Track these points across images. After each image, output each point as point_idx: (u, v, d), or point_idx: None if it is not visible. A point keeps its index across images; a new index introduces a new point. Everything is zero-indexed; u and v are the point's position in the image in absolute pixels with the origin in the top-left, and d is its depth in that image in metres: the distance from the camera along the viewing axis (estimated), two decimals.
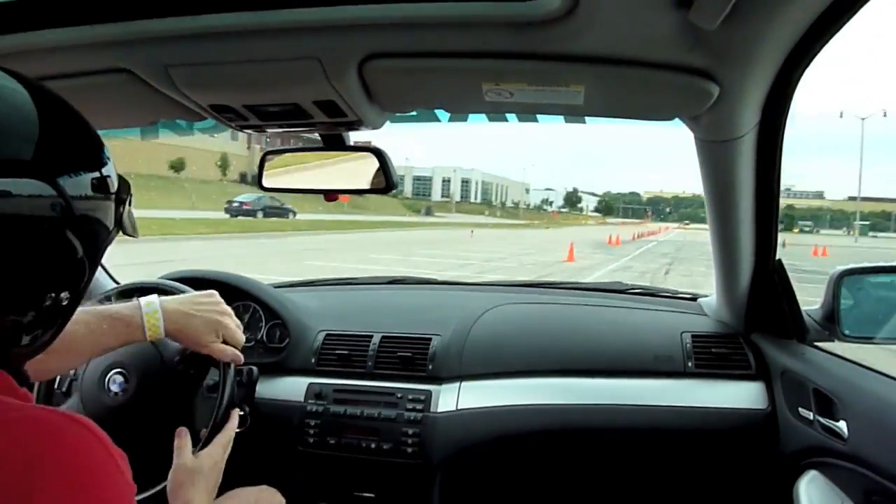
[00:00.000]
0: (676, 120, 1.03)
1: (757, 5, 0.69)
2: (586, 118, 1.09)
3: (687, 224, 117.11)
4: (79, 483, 0.52)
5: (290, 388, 1.58)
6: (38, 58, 0.85)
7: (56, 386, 1.35)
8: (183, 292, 1.40)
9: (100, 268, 1.71)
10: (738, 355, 1.50)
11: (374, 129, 1.09)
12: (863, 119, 59.37)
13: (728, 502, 1.60)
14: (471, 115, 1.14)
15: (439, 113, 1.13)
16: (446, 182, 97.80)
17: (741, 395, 1.46)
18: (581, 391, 1.50)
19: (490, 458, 1.56)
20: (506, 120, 1.13)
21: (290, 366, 1.62)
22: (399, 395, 1.52)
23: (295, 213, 29.23)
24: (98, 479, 0.54)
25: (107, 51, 0.84)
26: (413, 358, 1.57)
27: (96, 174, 0.59)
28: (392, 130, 1.17)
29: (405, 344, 1.60)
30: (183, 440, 1.09)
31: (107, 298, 1.34)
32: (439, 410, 1.49)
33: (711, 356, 1.51)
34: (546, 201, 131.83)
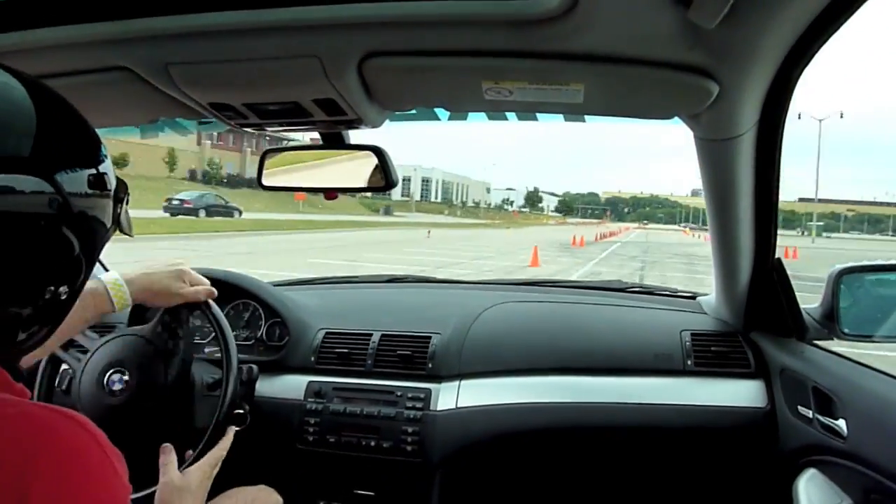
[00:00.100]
0: (675, 118, 1.03)
1: (756, 4, 0.69)
2: (586, 117, 1.09)
3: (645, 223, 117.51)
4: (74, 481, 0.53)
5: (290, 386, 1.58)
6: (39, 56, 0.85)
7: (56, 384, 1.35)
8: None
9: (98, 264, 1.74)
10: (737, 353, 1.50)
11: (373, 127, 1.09)
12: (820, 120, 59.81)
13: (727, 500, 1.60)
14: (470, 114, 1.14)
15: (439, 111, 1.13)
16: (406, 181, 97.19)
17: (740, 393, 1.46)
18: (580, 389, 1.50)
19: (489, 457, 1.57)
20: (505, 118, 1.13)
21: (289, 364, 1.62)
22: (399, 394, 1.52)
23: (241, 212, 28.28)
24: (93, 478, 0.54)
25: (107, 49, 0.84)
26: (413, 356, 1.57)
27: (93, 171, 0.59)
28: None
29: (405, 342, 1.60)
30: (168, 457, 1.09)
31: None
32: (439, 409, 1.49)
33: (711, 354, 1.52)
34: (507, 201, 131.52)
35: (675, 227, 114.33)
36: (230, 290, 1.68)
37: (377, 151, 1.15)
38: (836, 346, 1.32)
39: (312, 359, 1.61)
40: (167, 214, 25.10)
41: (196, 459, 1.16)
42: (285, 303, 1.70)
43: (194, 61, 0.87)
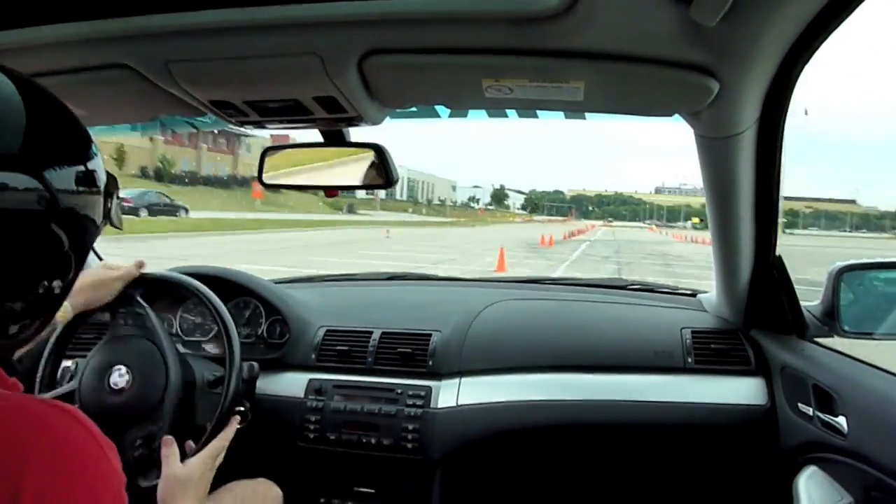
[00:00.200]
0: (676, 116, 1.03)
1: (757, 1, 0.69)
2: (586, 114, 1.09)
3: (610, 221, 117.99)
4: (66, 471, 0.53)
5: (291, 383, 1.58)
6: (39, 53, 0.85)
7: (57, 381, 1.36)
8: (178, 282, 1.42)
9: (97, 259, 1.74)
10: (737, 351, 1.50)
11: (374, 124, 1.09)
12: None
13: (728, 498, 1.60)
14: (471, 112, 1.14)
15: (439, 109, 1.13)
16: None
17: (741, 390, 1.46)
18: (581, 387, 1.50)
19: (490, 454, 1.57)
20: (506, 116, 1.13)
21: (290, 362, 1.62)
22: (399, 391, 1.52)
23: (187, 211, 26.98)
24: (85, 468, 0.55)
25: (107, 47, 0.84)
26: (413, 354, 1.57)
27: (82, 168, 0.59)
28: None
29: (405, 340, 1.60)
30: (170, 449, 1.10)
31: (153, 281, 1.37)
32: (439, 406, 1.49)
33: (711, 352, 1.52)
34: (473, 199, 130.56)
35: (640, 224, 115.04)
36: (231, 287, 1.68)
37: (377, 149, 1.15)
38: (837, 343, 1.32)
39: (313, 356, 1.62)
40: None
41: (207, 441, 1.17)
42: (286, 300, 1.71)
43: (195, 59, 0.87)
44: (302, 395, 1.56)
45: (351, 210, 59.23)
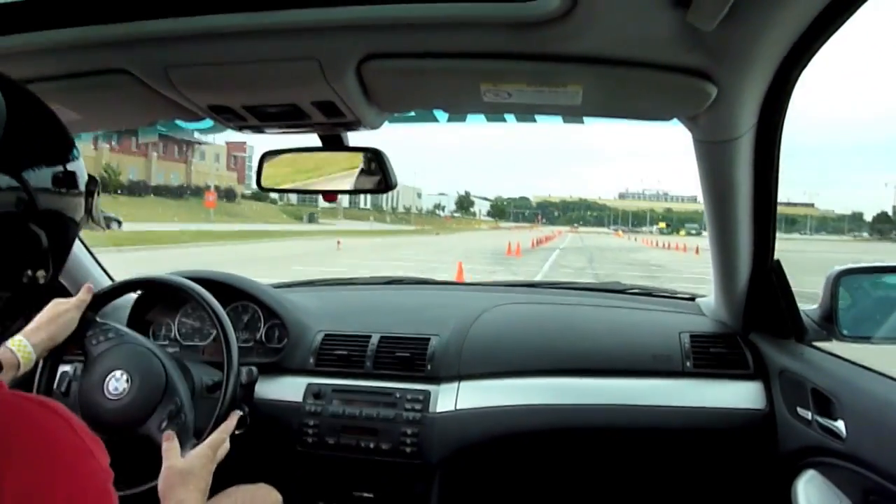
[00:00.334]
0: (674, 120, 1.03)
1: (754, 6, 0.69)
2: (585, 118, 1.09)
3: (576, 227, 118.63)
4: (48, 466, 0.53)
5: (289, 388, 1.58)
6: (38, 58, 0.85)
7: (56, 386, 1.35)
8: (178, 286, 1.42)
9: (97, 266, 1.74)
10: (736, 355, 1.50)
11: (372, 129, 1.09)
12: None
13: (726, 502, 1.60)
14: (469, 116, 1.14)
15: (437, 113, 1.13)
16: None
17: (739, 394, 1.46)
18: (579, 391, 1.50)
19: (489, 458, 1.56)
20: (504, 120, 1.13)
21: (288, 366, 1.62)
22: (398, 396, 1.52)
23: (120, 223, 25.89)
24: (68, 462, 0.55)
25: (106, 52, 0.84)
26: (412, 358, 1.57)
27: (61, 169, 0.59)
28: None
29: (404, 344, 1.60)
30: (171, 443, 1.11)
31: (101, 296, 1.36)
32: (438, 410, 1.49)
33: (710, 356, 1.52)
34: (439, 206, 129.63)
35: (605, 229, 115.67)
36: (229, 291, 1.68)
37: (376, 153, 1.16)
38: (835, 347, 1.32)
39: (312, 361, 1.61)
40: None
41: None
42: (284, 304, 1.70)
43: (194, 64, 0.87)
44: (300, 399, 1.55)
45: (312, 219, 57.63)
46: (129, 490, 1.14)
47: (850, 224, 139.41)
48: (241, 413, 1.30)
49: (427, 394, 1.51)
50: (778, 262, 1.37)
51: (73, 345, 1.29)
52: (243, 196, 62.37)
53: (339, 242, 24.39)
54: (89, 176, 0.65)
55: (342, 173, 1.20)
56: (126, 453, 1.11)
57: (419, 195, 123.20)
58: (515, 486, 1.68)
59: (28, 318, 0.63)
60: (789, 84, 0.92)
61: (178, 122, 1.17)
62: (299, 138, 1.19)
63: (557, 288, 1.99)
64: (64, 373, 1.37)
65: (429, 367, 1.56)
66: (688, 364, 1.51)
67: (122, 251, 15.23)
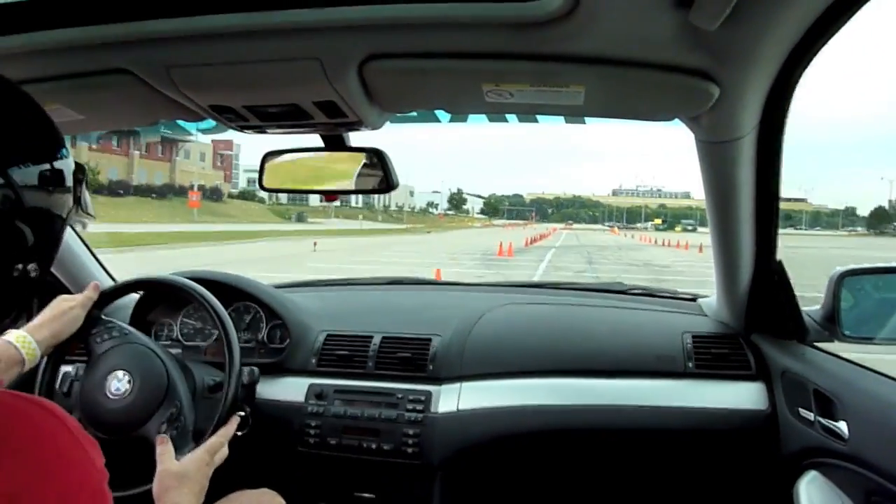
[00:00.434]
0: (676, 120, 1.03)
1: (757, 6, 0.69)
2: (586, 119, 1.09)
3: (570, 224, 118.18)
4: (41, 464, 0.53)
5: (291, 388, 1.58)
6: (40, 58, 0.85)
7: (58, 386, 1.35)
8: (180, 286, 1.42)
9: (98, 266, 1.75)
10: (738, 356, 1.50)
11: (374, 129, 1.09)
12: None
13: (728, 503, 1.59)
14: (471, 116, 1.14)
15: (439, 114, 1.13)
16: None
17: (741, 395, 1.46)
18: (581, 392, 1.50)
19: (490, 459, 1.56)
20: (506, 121, 1.13)
21: (290, 366, 1.62)
22: (399, 396, 1.51)
23: (84, 226, 25.27)
24: (62, 461, 0.55)
25: (108, 52, 0.84)
26: (413, 358, 1.57)
27: (48, 167, 0.59)
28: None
29: (405, 344, 1.60)
30: (166, 446, 1.11)
31: (107, 295, 1.36)
32: (440, 411, 1.49)
33: (712, 357, 1.51)
34: (432, 204, 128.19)
35: (600, 226, 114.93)
36: (231, 292, 1.68)
37: (378, 154, 1.15)
38: (837, 347, 1.31)
39: (313, 361, 1.61)
40: None
41: None
42: (286, 305, 1.70)
43: (195, 64, 0.87)
44: (302, 399, 1.55)
45: (301, 219, 56.01)
46: (125, 492, 1.14)
47: (843, 219, 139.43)
48: (243, 414, 1.30)
49: (429, 394, 1.51)
50: (780, 262, 1.37)
51: (78, 342, 1.30)
52: (230, 195, 60.62)
53: (315, 244, 22.81)
54: (76, 164, 0.66)
55: (343, 174, 1.20)
56: (123, 455, 1.11)
57: (412, 193, 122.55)
58: (517, 487, 1.67)
59: (29, 316, 0.63)
60: (792, 84, 0.92)
61: (180, 121, 1.17)
62: (301, 138, 1.19)
63: (559, 288, 1.99)
64: (66, 373, 1.37)
65: (430, 367, 1.56)
66: (690, 365, 1.51)
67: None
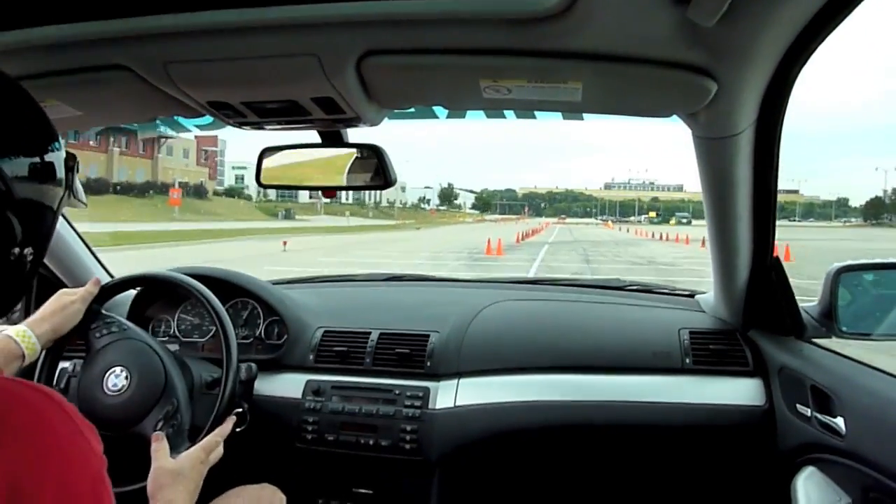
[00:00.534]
0: (674, 116, 1.03)
1: (755, 2, 0.69)
2: (584, 115, 1.09)
3: (563, 218, 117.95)
4: (40, 448, 0.53)
5: (289, 384, 1.58)
6: (37, 54, 0.85)
7: (55, 383, 1.35)
8: (178, 282, 1.42)
9: (96, 262, 1.75)
10: (735, 352, 1.50)
11: (372, 125, 1.09)
12: None
13: (726, 499, 1.60)
14: (469, 112, 1.14)
15: (437, 109, 1.13)
16: None
17: (739, 391, 1.46)
18: (579, 388, 1.50)
19: (488, 455, 1.57)
20: (504, 117, 1.13)
21: (288, 363, 1.62)
22: (397, 392, 1.52)
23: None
24: (61, 445, 0.55)
25: (105, 48, 0.84)
26: (411, 354, 1.57)
27: (38, 160, 0.59)
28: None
29: (403, 341, 1.60)
30: (160, 443, 1.11)
31: (107, 290, 1.36)
32: (437, 407, 1.49)
33: (709, 353, 1.52)
34: (423, 199, 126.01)
35: (593, 220, 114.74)
36: (229, 288, 1.68)
37: (376, 150, 1.15)
38: (835, 343, 1.32)
39: (311, 357, 1.61)
40: None
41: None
42: (284, 301, 1.70)
43: (193, 60, 0.87)
44: (300, 396, 1.55)
45: (288, 216, 54.78)
46: (119, 488, 1.14)
47: (836, 210, 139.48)
48: (241, 410, 1.30)
49: (426, 390, 1.51)
50: (777, 258, 1.37)
51: (77, 337, 1.30)
52: (216, 192, 59.04)
53: (284, 243, 21.53)
54: (67, 152, 0.66)
55: (341, 170, 1.20)
56: (119, 451, 1.11)
57: (403, 189, 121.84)
58: (515, 483, 1.68)
59: (19, 297, 0.63)
60: (789, 80, 0.92)
61: (178, 118, 1.17)
62: (299, 135, 1.19)
63: (557, 284, 1.99)
64: (63, 369, 1.37)
65: (428, 363, 1.56)
66: (687, 361, 1.51)
67: None
